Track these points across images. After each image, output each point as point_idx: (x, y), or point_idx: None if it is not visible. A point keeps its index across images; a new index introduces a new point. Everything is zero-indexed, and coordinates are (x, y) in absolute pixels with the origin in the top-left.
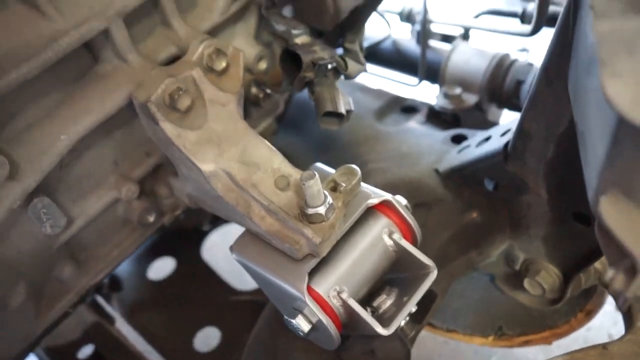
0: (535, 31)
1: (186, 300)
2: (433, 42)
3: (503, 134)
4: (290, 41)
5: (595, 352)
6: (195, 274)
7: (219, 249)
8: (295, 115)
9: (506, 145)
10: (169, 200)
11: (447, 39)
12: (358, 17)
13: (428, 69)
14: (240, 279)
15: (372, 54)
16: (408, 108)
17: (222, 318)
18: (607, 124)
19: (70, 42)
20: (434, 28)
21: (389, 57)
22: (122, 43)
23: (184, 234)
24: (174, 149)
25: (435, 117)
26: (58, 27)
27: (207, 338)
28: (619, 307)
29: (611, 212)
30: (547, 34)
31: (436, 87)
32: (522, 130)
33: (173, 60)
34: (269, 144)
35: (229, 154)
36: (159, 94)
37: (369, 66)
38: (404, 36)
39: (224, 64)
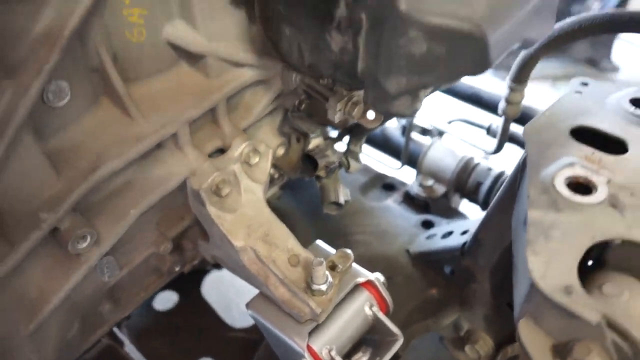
0: (497, 151)
1: (187, 331)
2: (414, 134)
3: (462, 233)
4: (308, 140)
5: None
6: (196, 308)
7: (216, 288)
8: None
9: (464, 244)
10: (191, 253)
11: (425, 132)
12: (362, 128)
13: (408, 156)
14: (232, 317)
15: None
16: (388, 185)
17: (219, 350)
18: (527, 279)
19: (151, 143)
20: (415, 121)
21: (376, 139)
22: (183, 139)
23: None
24: (214, 226)
25: (410, 199)
26: (142, 129)
27: None
28: None
29: (525, 331)
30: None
31: (413, 171)
32: (477, 237)
33: (216, 150)
34: (285, 227)
35: (255, 234)
36: (208, 183)
37: None
38: (391, 124)
39: (257, 159)
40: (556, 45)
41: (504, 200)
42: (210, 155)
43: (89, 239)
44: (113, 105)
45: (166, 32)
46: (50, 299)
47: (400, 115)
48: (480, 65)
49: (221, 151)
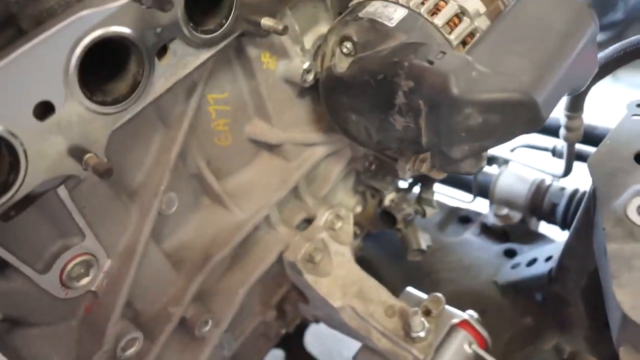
0: (566, 174)
1: None
2: None
3: (547, 260)
4: (383, 196)
5: None
6: None
7: (317, 340)
8: None
9: (550, 271)
10: (292, 315)
11: (491, 161)
12: (430, 178)
13: (479, 188)
14: None
15: None
16: (464, 218)
17: None
18: (619, 310)
19: (249, 229)
20: None
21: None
22: (274, 219)
23: None
24: (312, 291)
25: (488, 230)
26: (240, 218)
27: None
28: None
29: (627, 358)
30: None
31: (486, 201)
32: (561, 264)
33: (302, 221)
34: (375, 281)
35: (350, 292)
36: (302, 254)
37: None
38: None
39: (340, 224)
40: (603, 75)
41: (582, 227)
42: (298, 227)
43: (210, 323)
44: (212, 202)
45: (247, 131)
46: None
47: (467, 174)
48: (534, 125)
49: (307, 221)
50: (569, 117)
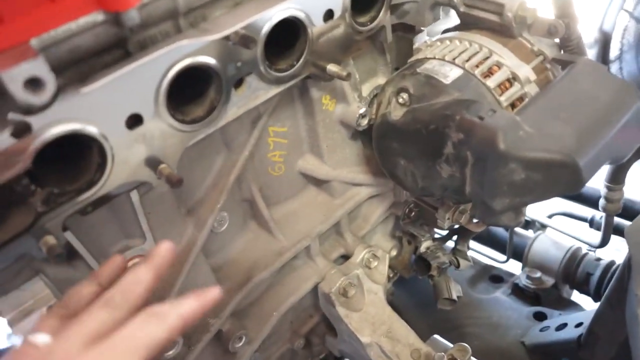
0: (603, 245)
1: None
2: (517, 228)
3: (577, 326)
4: (419, 243)
5: None
6: None
7: None
8: None
9: (579, 336)
10: (318, 348)
11: (528, 224)
12: (467, 230)
13: (513, 250)
14: None
15: None
16: (495, 277)
17: None
18: None
19: (289, 256)
20: None
21: (481, 235)
22: (314, 251)
23: None
24: (342, 324)
25: (519, 291)
26: (282, 245)
27: None
28: None
29: None
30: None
31: (518, 264)
32: (591, 331)
33: (340, 256)
34: (405, 324)
35: (379, 331)
36: (337, 287)
37: None
38: None
39: (376, 263)
40: None
41: (615, 295)
42: (335, 262)
43: (244, 339)
44: (259, 227)
45: (299, 165)
46: None
47: (505, 227)
48: (574, 187)
49: (344, 257)
50: (609, 189)
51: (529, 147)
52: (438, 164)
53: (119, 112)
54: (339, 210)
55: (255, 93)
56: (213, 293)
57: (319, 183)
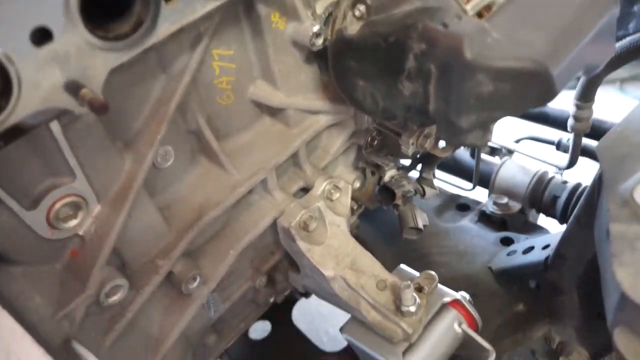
0: (570, 165)
1: (282, 357)
2: (483, 155)
3: (544, 248)
4: (383, 173)
5: None
6: (288, 335)
7: (305, 316)
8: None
9: (546, 258)
10: (282, 285)
11: (493, 151)
12: (433, 157)
13: (480, 177)
14: (321, 342)
15: None
16: (462, 206)
17: None
18: (617, 290)
19: (244, 190)
20: None
21: (446, 163)
22: (271, 184)
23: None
24: (304, 259)
25: (486, 218)
26: (236, 179)
27: None
28: None
29: (621, 340)
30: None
31: (484, 191)
32: (559, 252)
33: (300, 190)
34: (370, 255)
35: (343, 263)
36: (297, 221)
37: None
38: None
39: (337, 195)
40: (619, 64)
41: (584, 214)
42: (295, 195)
43: (198, 280)
44: (209, 161)
45: (250, 92)
46: (170, 334)
47: (473, 146)
48: (546, 97)
49: (304, 190)
50: (578, 107)
51: (498, 55)
52: (399, 82)
53: (20, 24)
54: (296, 140)
55: (190, 6)
56: None
57: (273, 112)
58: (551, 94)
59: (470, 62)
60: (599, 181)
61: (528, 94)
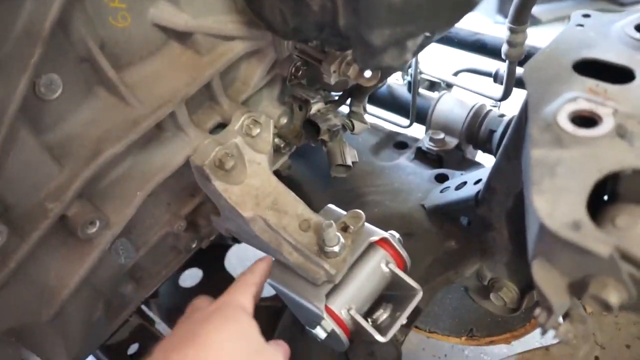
0: (504, 97)
1: None
2: (421, 90)
3: (475, 183)
4: (309, 106)
5: (540, 353)
6: (220, 282)
7: (238, 262)
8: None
9: (477, 193)
10: (206, 229)
11: (432, 86)
12: (362, 88)
13: (417, 113)
14: None
15: (369, 95)
16: (400, 144)
17: None
18: (536, 220)
19: (149, 124)
20: (422, 76)
21: (383, 99)
22: (182, 119)
23: (210, 248)
24: (222, 200)
25: (422, 155)
26: (139, 113)
27: None
28: (542, 333)
29: (539, 271)
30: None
31: (422, 127)
32: (489, 186)
33: (217, 126)
34: (293, 194)
35: (264, 203)
36: (211, 158)
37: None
38: (396, 82)
39: (258, 130)
40: None
41: (512, 145)
42: (212, 132)
43: (98, 224)
44: (107, 93)
45: (151, 14)
46: (68, 283)
47: (389, 69)
48: (463, 6)
49: (222, 126)
50: (512, 31)
51: None
52: None
53: None
54: (207, 69)
55: None
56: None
57: (180, 38)
58: (470, 1)
59: None
60: (525, 108)
61: (445, 2)
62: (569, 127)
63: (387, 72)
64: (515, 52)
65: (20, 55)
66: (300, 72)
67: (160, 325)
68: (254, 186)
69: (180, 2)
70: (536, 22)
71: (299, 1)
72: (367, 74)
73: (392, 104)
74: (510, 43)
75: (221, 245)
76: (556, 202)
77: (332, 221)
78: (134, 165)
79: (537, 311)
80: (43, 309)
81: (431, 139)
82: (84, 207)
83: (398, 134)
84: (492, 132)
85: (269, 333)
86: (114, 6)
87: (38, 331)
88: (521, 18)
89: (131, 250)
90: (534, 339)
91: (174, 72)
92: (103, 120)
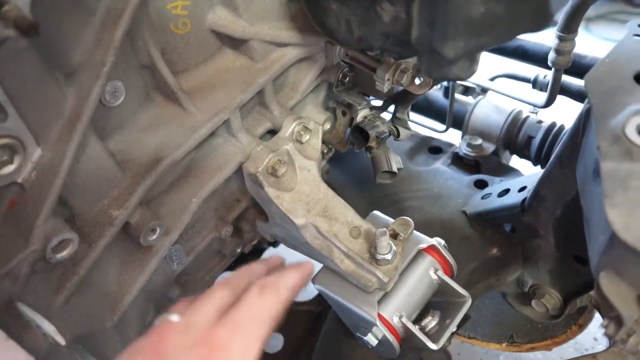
0: (548, 104)
1: None
2: (456, 95)
3: (520, 190)
4: (354, 113)
5: None
6: None
7: None
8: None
9: (523, 200)
10: (249, 234)
11: (468, 90)
12: (408, 95)
13: (453, 118)
14: None
15: None
16: (435, 148)
17: (284, 325)
18: (606, 231)
19: (206, 132)
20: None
21: (418, 104)
22: (235, 125)
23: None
24: (273, 206)
25: (459, 160)
26: (196, 120)
27: (272, 342)
28: (610, 345)
29: (607, 283)
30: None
31: (458, 132)
32: (537, 193)
33: (267, 132)
34: (343, 201)
35: (314, 210)
36: (264, 165)
37: None
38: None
39: (307, 137)
40: None
41: (566, 153)
42: (261, 138)
43: (158, 231)
44: (165, 99)
45: (209, 20)
46: (129, 290)
47: (457, 79)
48: (541, 21)
49: (271, 132)
50: (561, 39)
51: None
52: (379, 4)
53: None
54: (261, 75)
55: None
56: (309, 266)
57: (235, 44)
58: (547, 16)
59: None
60: (585, 117)
61: (522, 16)
62: (638, 140)
63: (451, 81)
64: (563, 60)
65: (93, 64)
66: (347, 79)
67: None
68: (304, 193)
69: (239, 8)
70: (554, 24)
71: (369, 12)
72: (419, 81)
73: (427, 108)
74: (558, 51)
75: (256, 249)
76: (631, 215)
77: (385, 229)
78: (188, 171)
79: (605, 322)
80: (107, 315)
81: (469, 145)
82: (145, 214)
83: (432, 138)
84: (530, 138)
85: (306, 337)
86: (176, 13)
87: (101, 337)
88: (571, 27)
89: (183, 256)
90: (567, 345)
91: (228, 79)
92: (162, 126)
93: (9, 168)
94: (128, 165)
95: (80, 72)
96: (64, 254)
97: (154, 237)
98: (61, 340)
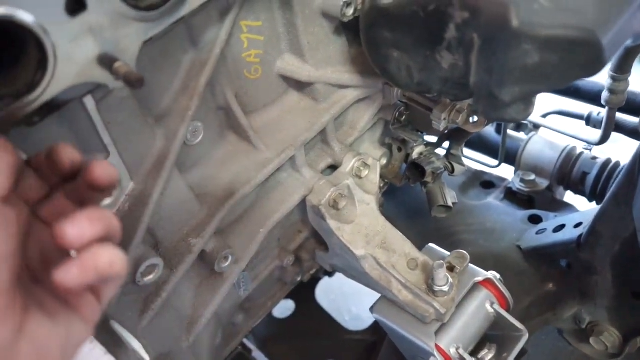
0: (602, 141)
1: (307, 336)
2: (508, 131)
3: (576, 226)
4: (409, 149)
5: None
6: (312, 314)
7: (327, 294)
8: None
9: (579, 236)
10: (309, 263)
11: (520, 126)
12: (462, 133)
13: (506, 153)
14: (344, 321)
15: None
16: (487, 183)
17: (339, 352)
18: None
19: (274, 167)
20: None
21: (471, 140)
22: (299, 161)
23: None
24: (334, 238)
25: (512, 195)
26: (265, 156)
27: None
28: None
29: None
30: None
31: (510, 168)
32: (594, 230)
33: (328, 167)
34: (400, 233)
35: (374, 242)
36: (327, 199)
37: None
38: None
39: (366, 172)
40: None
41: (622, 191)
42: (322, 173)
43: (230, 259)
44: (237, 137)
45: (278, 66)
46: (203, 313)
47: (513, 122)
48: (594, 68)
49: (331, 167)
50: (614, 79)
51: (545, 23)
52: (438, 53)
53: None
54: (324, 115)
55: None
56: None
57: (301, 86)
58: (600, 63)
59: (517, 30)
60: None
61: (576, 64)
62: None
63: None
64: (617, 99)
65: (179, 108)
66: (404, 117)
67: (257, 354)
68: (363, 225)
69: (305, 55)
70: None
71: (429, 60)
72: (474, 121)
73: (479, 144)
74: (612, 90)
75: (312, 278)
76: None
77: (442, 262)
78: (256, 203)
79: None
80: (184, 336)
81: (522, 180)
82: (219, 243)
83: (484, 173)
84: (585, 174)
85: None
86: (250, 61)
87: (178, 356)
88: (625, 67)
89: (249, 283)
90: None
91: (293, 118)
92: (234, 162)
93: (108, 200)
94: (205, 198)
95: (168, 115)
96: (151, 277)
97: (226, 264)
98: (147, 358)
